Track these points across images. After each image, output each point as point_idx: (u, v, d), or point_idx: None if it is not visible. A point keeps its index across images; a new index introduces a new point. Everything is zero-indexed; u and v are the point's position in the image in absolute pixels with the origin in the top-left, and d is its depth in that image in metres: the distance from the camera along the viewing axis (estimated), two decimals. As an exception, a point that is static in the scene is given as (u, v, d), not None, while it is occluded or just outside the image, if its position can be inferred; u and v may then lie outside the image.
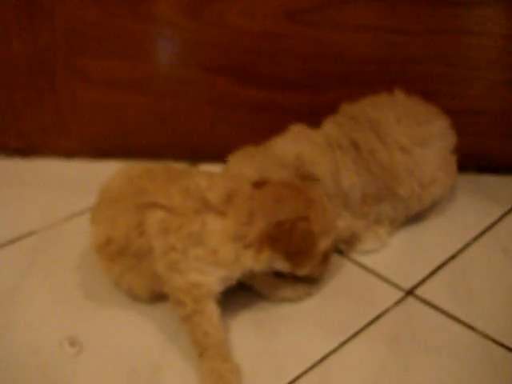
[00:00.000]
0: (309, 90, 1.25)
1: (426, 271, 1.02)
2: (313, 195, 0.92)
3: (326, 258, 0.95)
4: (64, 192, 1.29)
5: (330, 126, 1.10)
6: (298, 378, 0.84)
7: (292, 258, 0.89)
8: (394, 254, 1.07)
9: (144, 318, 0.94)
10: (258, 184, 0.92)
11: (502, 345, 0.88)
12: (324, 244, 0.91)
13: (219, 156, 1.34)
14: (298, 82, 1.26)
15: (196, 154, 1.36)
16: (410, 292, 0.99)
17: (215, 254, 0.86)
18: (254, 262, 0.88)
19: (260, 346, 0.89)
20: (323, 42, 1.21)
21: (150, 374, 0.85)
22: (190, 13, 1.23)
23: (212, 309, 0.87)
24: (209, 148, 1.34)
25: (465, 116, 1.23)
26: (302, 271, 0.93)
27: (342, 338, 0.90)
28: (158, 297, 0.94)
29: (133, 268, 0.92)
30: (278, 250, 0.87)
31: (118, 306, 0.96)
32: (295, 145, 1.05)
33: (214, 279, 0.87)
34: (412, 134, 1.07)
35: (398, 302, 0.96)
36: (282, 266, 0.91)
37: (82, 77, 1.34)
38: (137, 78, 1.33)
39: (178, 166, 1.05)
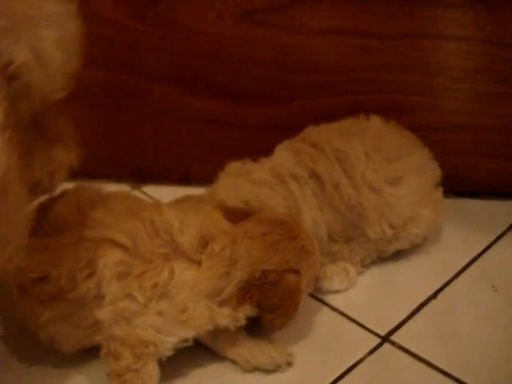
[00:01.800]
0: (268, 101, 1.12)
1: (404, 314, 0.89)
2: (307, 242, 0.80)
3: None
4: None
5: (282, 155, 0.96)
6: None
7: (271, 311, 0.76)
8: (369, 295, 0.94)
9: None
10: (238, 216, 0.80)
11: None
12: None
13: (166, 177, 1.20)
14: (256, 92, 1.12)
15: (140, 173, 1.21)
16: (386, 338, 0.85)
17: (184, 313, 0.72)
18: (229, 320, 0.75)
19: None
20: (284, 46, 1.08)
21: None
22: (134, 12, 1.10)
23: (152, 371, 0.73)
24: (155, 167, 1.20)
25: (444, 132, 1.11)
26: (277, 322, 0.80)
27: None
28: (82, 350, 0.78)
29: (67, 316, 0.75)
30: (258, 303, 0.75)
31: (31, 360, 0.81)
32: (238, 191, 0.91)
33: (172, 341, 0.73)
34: (382, 172, 0.94)
35: (372, 350, 0.83)
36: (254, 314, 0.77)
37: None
38: (74, 87, 1.18)
39: (136, 194, 0.93)
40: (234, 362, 0.80)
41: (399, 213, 0.93)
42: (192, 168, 1.16)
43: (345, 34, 1.05)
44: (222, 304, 0.74)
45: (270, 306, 0.75)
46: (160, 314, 0.72)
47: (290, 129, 1.00)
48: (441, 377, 0.78)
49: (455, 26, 1.03)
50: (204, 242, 0.75)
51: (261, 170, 0.94)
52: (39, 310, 0.75)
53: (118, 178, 1.18)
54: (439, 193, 1.00)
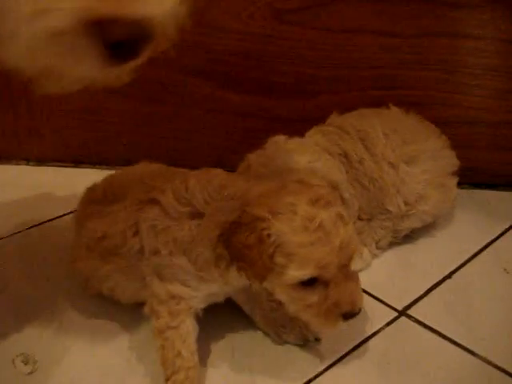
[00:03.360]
0: (296, 95, 1.19)
1: (421, 291, 0.95)
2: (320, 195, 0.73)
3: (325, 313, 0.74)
4: (34, 199, 1.24)
5: (313, 137, 1.02)
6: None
7: (239, 258, 0.72)
8: (387, 273, 1.00)
9: (109, 333, 0.86)
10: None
11: (503, 370, 0.80)
12: (298, 273, 0.71)
13: (199, 165, 1.27)
14: (284, 87, 1.20)
15: (175, 161, 1.27)
16: (403, 312, 0.91)
17: (200, 267, 0.77)
18: (237, 277, 0.76)
19: (236, 375, 0.80)
20: (312, 43, 1.15)
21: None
22: (171, 11, 1.17)
23: (189, 327, 0.78)
24: (188, 156, 1.27)
25: (461, 126, 1.17)
26: (249, 276, 0.74)
27: (330, 360, 0.82)
28: (139, 304, 0.84)
29: (123, 270, 0.83)
30: (226, 246, 0.73)
31: (79, 321, 0.89)
32: (303, 156, 0.96)
33: (198, 295, 0.78)
34: (399, 151, 1.01)
35: (389, 323, 0.89)
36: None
37: (56, 80, 1.27)
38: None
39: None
40: (266, 334, 0.86)
41: (412, 190, 1.00)
42: (223, 157, 1.22)
43: (368, 32, 1.12)
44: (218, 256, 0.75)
45: (236, 250, 0.72)
46: (182, 268, 0.77)
47: (315, 121, 1.06)
48: (452, 347, 0.84)
49: (472, 25, 1.09)
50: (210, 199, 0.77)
51: (311, 143, 0.99)
52: (100, 265, 0.84)
53: (154, 164, 1.26)
54: (453, 180, 1.06)
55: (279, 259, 0.70)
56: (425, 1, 1.09)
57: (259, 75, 1.20)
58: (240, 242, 0.71)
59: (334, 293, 0.72)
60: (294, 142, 0.98)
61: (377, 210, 1.00)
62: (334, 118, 1.06)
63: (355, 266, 0.94)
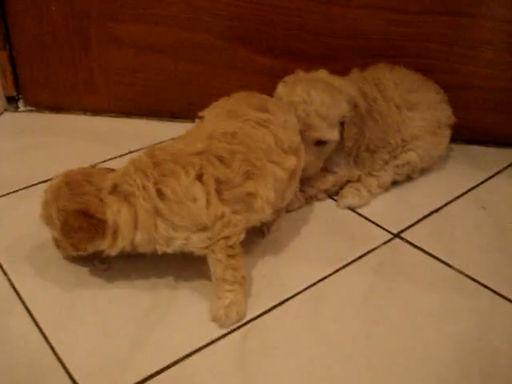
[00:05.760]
0: (318, 61, 1.38)
1: (413, 219, 1.16)
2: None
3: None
4: (90, 143, 1.44)
5: (341, 80, 1.22)
6: (295, 295, 0.97)
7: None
8: (385, 204, 1.22)
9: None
10: None
11: (475, 280, 1.02)
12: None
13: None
14: (308, 53, 1.40)
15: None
16: (398, 235, 1.12)
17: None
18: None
19: (264, 269, 1.03)
20: (333, 17, 1.35)
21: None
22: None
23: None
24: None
25: (458, 91, 1.36)
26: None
27: (336, 266, 1.04)
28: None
29: None
30: None
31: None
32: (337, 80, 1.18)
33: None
34: (404, 97, 1.23)
35: (386, 242, 1.10)
36: None
37: (113, 40, 1.49)
38: (163, 44, 1.47)
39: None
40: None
41: (410, 131, 1.22)
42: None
43: (382, 9, 1.32)
44: None
45: None
46: (224, 202, 0.92)
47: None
48: (435, 261, 1.05)
49: (470, 5, 1.29)
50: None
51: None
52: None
53: (192, 119, 1.46)
54: (445, 131, 1.28)
55: None
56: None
57: (288, 43, 1.40)
58: None
59: None
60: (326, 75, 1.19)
61: (381, 142, 1.21)
62: (355, 71, 1.27)
63: (354, 201, 1.19)
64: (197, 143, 0.94)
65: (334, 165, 1.21)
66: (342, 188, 1.22)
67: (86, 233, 0.92)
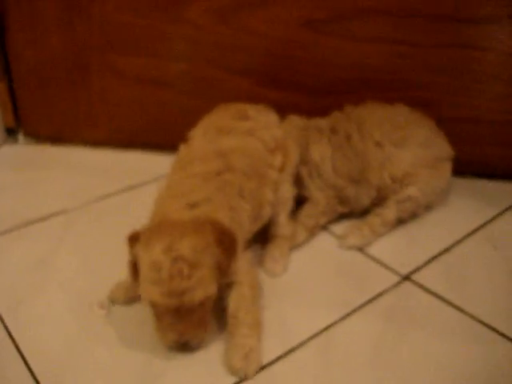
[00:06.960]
0: (323, 94, 1.36)
1: (422, 260, 1.13)
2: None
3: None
4: (90, 177, 1.42)
5: (326, 118, 1.27)
6: (301, 344, 0.94)
7: None
8: (393, 244, 1.18)
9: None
10: None
11: (490, 327, 0.98)
12: None
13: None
14: (312, 86, 1.37)
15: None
16: (407, 277, 1.09)
17: None
18: None
19: (270, 314, 0.99)
20: (338, 50, 1.33)
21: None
22: (219, 18, 1.36)
23: None
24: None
25: (465, 124, 1.34)
26: None
27: (343, 312, 1.00)
28: None
29: None
30: None
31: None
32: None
33: None
34: (389, 136, 1.21)
35: (395, 285, 1.07)
36: None
37: (114, 72, 1.46)
38: (164, 76, 1.45)
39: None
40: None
41: (399, 168, 1.20)
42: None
43: (388, 42, 1.30)
44: None
45: None
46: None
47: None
48: (447, 307, 1.02)
49: (478, 38, 1.26)
50: None
51: (300, 122, 1.28)
52: None
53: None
54: (445, 164, 1.25)
55: None
56: (435, 16, 1.25)
57: (292, 76, 1.38)
58: None
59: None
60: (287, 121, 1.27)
61: (359, 178, 1.20)
62: (346, 108, 1.27)
63: (356, 241, 1.16)
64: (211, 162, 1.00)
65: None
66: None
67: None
